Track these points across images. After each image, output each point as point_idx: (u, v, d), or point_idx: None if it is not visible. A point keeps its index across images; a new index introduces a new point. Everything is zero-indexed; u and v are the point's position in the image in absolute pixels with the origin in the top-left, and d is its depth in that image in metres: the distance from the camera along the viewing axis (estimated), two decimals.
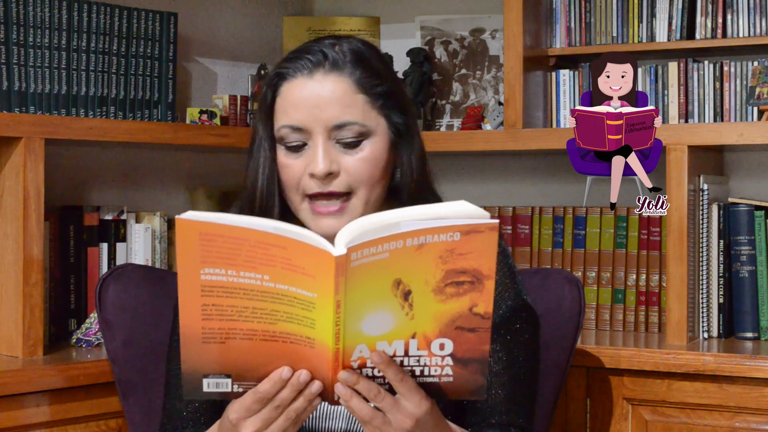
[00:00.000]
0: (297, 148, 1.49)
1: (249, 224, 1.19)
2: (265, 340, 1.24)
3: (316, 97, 1.48)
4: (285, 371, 1.26)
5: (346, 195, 1.48)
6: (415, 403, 1.29)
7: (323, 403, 1.33)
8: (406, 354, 1.27)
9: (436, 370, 1.29)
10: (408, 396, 1.29)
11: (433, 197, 1.59)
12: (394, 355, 1.27)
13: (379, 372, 1.28)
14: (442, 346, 1.27)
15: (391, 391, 1.29)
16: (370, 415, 1.28)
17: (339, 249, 1.18)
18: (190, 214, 1.18)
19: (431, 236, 1.21)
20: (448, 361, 1.28)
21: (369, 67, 1.51)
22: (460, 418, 1.49)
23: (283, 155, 1.51)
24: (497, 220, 1.23)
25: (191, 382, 1.26)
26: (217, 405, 1.54)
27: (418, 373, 1.29)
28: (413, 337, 1.26)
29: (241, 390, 1.28)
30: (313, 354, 1.25)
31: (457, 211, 1.22)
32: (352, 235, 1.19)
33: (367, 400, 1.28)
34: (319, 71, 1.49)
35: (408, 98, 1.59)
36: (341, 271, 1.18)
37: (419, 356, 1.28)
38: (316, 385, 1.27)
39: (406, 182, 1.54)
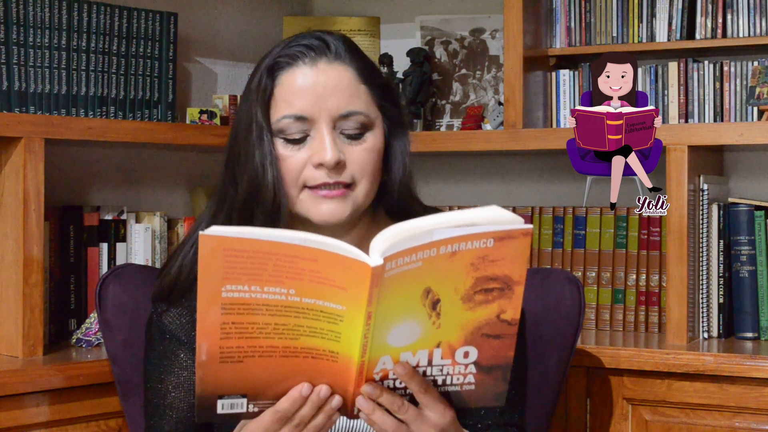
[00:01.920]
0: (297, 141, 1.45)
1: (277, 237, 1.14)
2: (285, 357, 1.20)
3: (322, 86, 1.44)
4: (305, 388, 1.22)
5: (348, 185, 1.45)
6: (439, 413, 1.27)
7: None
8: (430, 363, 1.24)
9: (458, 379, 1.26)
10: (432, 407, 1.26)
11: (418, 203, 1.56)
12: (418, 366, 1.24)
13: (401, 383, 1.25)
14: (466, 354, 1.24)
15: (413, 401, 1.27)
16: (395, 427, 1.25)
17: (375, 259, 1.14)
18: (214, 230, 1.14)
19: (465, 243, 1.17)
20: (471, 369, 1.25)
21: (365, 59, 1.50)
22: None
23: (281, 147, 1.45)
24: (531, 226, 1.20)
25: (205, 403, 1.21)
26: (207, 424, 1.52)
27: (440, 382, 1.27)
28: (438, 346, 1.23)
29: (256, 410, 1.24)
30: (335, 368, 1.21)
31: (489, 216, 1.19)
32: (386, 244, 1.15)
33: (389, 412, 1.25)
34: (322, 59, 1.45)
35: (398, 93, 1.57)
36: (376, 282, 1.14)
37: (443, 365, 1.25)
38: (336, 400, 1.24)
39: (396, 177, 1.51)
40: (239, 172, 1.48)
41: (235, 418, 1.25)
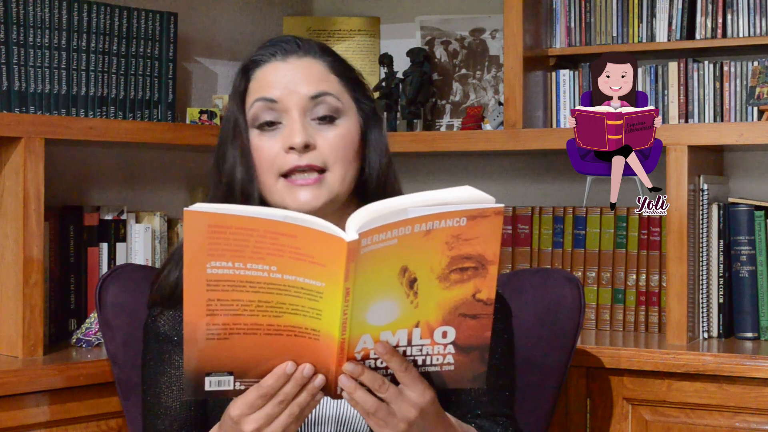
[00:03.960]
0: (271, 125, 1.49)
1: (258, 213, 1.18)
2: (269, 335, 1.23)
3: (291, 76, 1.50)
4: (289, 366, 1.25)
5: (321, 170, 1.48)
6: (419, 392, 1.29)
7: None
8: (409, 343, 1.27)
9: (438, 359, 1.29)
10: (412, 386, 1.28)
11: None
12: (398, 345, 1.26)
13: (382, 363, 1.27)
14: (444, 334, 1.27)
15: (394, 381, 1.29)
16: (375, 406, 1.27)
17: (350, 234, 1.17)
18: (198, 206, 1.18)
19: (438, 222, 1.20)
20: (450, 349, 1.28)
21: (337, 57, 1.56)
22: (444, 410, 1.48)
23: (256, 138, 1.50)
24: (502, 205, 1.23)
25: (193, 381, 1.25)
26: (201, 418, 1.54)
27: (420, 362, 1.29)
28: (416, 326, 1.25)
29: (242, 387, 1.27)
30: (318, 346, 1.24)
31: (462, 196, 1.22)
32: (362, 221, 1.18)
33: (370, 392, 1.28)
34: (292, 56, 1.52)
35: (372, 92, 1.61)
36: (352, 257, 1.18)
37: (422, 345, 1.27)
38: (320, 379, 1.26)
39: (375, 170, 1.54)
40: (221, 170, 1.55)
41: (222, 395, 1.27)
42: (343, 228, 1.21)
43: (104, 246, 2.38)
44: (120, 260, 2.39)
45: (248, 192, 1.50)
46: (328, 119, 1.50)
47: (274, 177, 1.49)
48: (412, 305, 1.24)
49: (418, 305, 1.24)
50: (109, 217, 2.39)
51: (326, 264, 1.18)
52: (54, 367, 2.01)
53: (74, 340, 2.25)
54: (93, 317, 2.25)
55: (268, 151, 1.49)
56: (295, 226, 1.18)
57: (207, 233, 1.17)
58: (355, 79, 1.55)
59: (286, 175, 1.48)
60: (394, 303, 1.23)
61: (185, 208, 1.18)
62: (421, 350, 1.28)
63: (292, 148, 1.47)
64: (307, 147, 1.47)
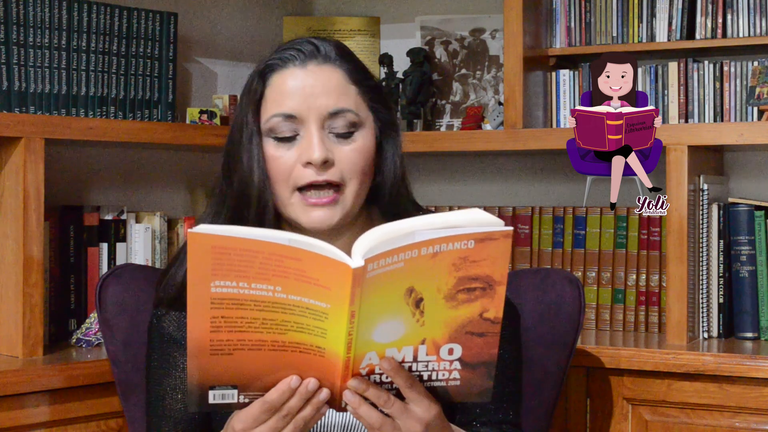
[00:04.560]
0: (288, 139, 1.47)
1: (263, 237, 1.18)
2: (273, 350, 1.23)
3: (311, 86, 1.46)
4: (293, 380, 1.25)
5: (337, 186, 1.46)
6: (424, 408, 1.29)
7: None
8: (415, 359, 1.27)
9: (443, 375, 1.29)
10: (417, 401, 1.28)
11: (412, 205, 1.57)
12: (403, 361, 1.26)
13: (387, 378, 1.27)
14: (450, 351, 1.27)
15: (399, 395, 1.28)
16: (380, 421, 1.27)
17: (356, 261, 1.17)
18: (203, 228, 1.17)
19: (446, 245, 1.20)
20: (456, 365, 1.28)
21: (357, 62, 1.53)
22: (449, 417, 1.47)
23: (272, 147, 1.47)
24: (511, 228, 1.22)
25: (197, 394, 1.25)
26: (204, 422, 1.54)
27: (426, 377, 1.29)
28: (422, 343, 1.25)
29: (246, 401, 1.27)
30: (323, 363, 1.24)
31: (470, 219, 1.22)
32: (368, 245, 1.18)
33: (375, 407, 1.27)
34: (311, 62, 1.48)
35: (390, 96, 1.59)
36: (357, 283, 1.17)
37: (428, 361, 1.27)
38: (324, 393, 1.26)
39: (389, 179, 1.52)
40: (232, 174, 1.51)
41: (226, 408, 1.27)
42: (348, 241, 1.21)
43: (104, 246, 2.38)
44: (120, 260, 2.39)
45: (265, 200, 1.47)
46: (346, 134, 1.47)
47: (289, 190, 1.47)
48: (418, 323, 1.24)
49: (424, 323, 1.24)
50: (109, 217, 2.39)
51: (331, 287, 1.18)
52: (54, 367, 2.01)
53: (74, 340, 2.25)
54: (93, 317, 2.25)
55: (285, 162, 1.46)
56: (300, 251, 1.18)
57: (211, 254, 1.17)
58: (373, 88, 1.52)
59: (301, 188, 1.46)
60: (400, 322, 1.23)
61: (189, 230, 1.17)
62: (426, 366, 1.28)
63: (309, 163, 1.45)
64: (326, 162, 1.45)
